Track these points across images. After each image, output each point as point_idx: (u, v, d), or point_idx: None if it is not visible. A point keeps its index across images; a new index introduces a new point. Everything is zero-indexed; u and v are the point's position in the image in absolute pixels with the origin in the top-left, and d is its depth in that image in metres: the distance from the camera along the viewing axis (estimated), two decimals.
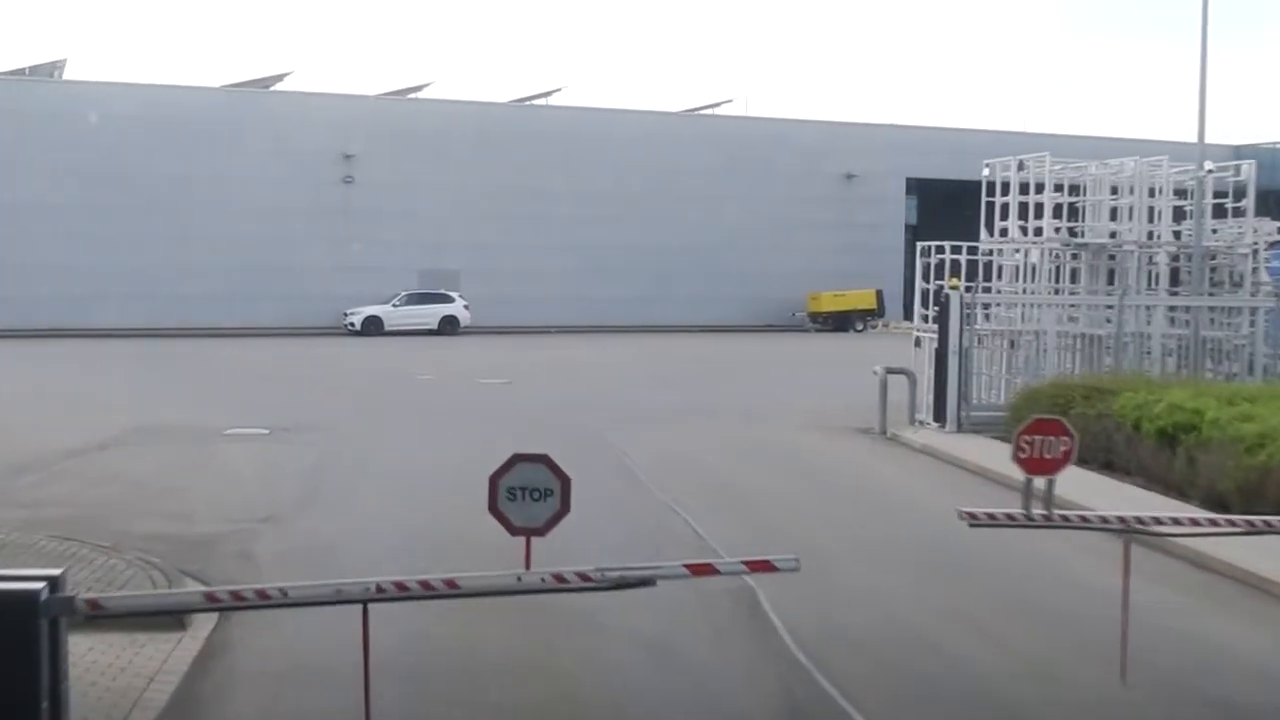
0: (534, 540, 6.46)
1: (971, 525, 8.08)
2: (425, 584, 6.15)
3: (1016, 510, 8.10)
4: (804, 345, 45.56)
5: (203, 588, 8.02)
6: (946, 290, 20.24)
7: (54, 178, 47.80)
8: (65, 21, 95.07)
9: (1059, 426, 7.97)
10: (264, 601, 6.05)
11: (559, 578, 6.22)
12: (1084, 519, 8.49)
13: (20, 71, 52.50)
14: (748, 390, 27.50)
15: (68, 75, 53.29)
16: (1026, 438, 7.93)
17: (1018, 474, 15.41)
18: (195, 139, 49.27)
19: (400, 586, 6.11)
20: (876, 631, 9.38)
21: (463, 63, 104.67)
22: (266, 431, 18.75)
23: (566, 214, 53.87)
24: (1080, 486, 14.76)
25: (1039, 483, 7.99)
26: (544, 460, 6.44)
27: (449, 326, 48.92)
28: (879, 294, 56.76)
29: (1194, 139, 20.63)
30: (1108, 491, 14.57)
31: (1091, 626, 9.21)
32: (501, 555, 9.28)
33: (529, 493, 6.36)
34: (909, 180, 60.82)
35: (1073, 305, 21.20)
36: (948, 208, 62.65)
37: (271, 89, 54.56)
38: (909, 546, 11.98)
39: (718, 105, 61.77)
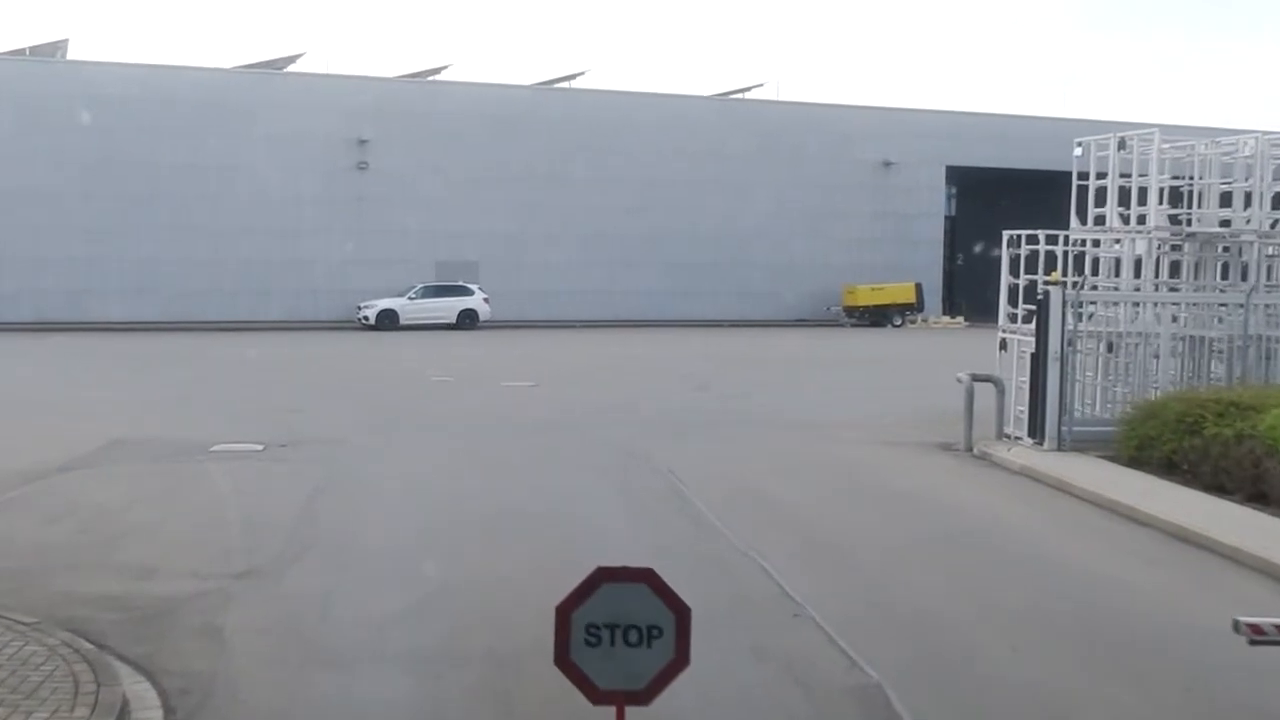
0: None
1: (1253, 643, 5.47)
2: None
3: None
4: (843, 342, 42.91)
5: None
6: (1043, 286, 17.61)
7: (54, 164, 45.55)
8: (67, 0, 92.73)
9: None
10: None
11: None
12: None
13: (20, 52, 50.13)
14: (798, 394, 24.91)
15: (70, 56, 50.88)
16: None
17: (1157, 509, 13.01)
18: (202, 123, 46.89)
19: None
20: None
21: (482, 44, 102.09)
22: (260, 447, 16.21)
23: (590, 203, 51.42)
24: (1237, 526, 12.18)
25: None
26: (646, 579, 3.87)
27: (467, 321, 46.43)
28: (918, 287, 54.20)
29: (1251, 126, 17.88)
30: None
31: None
32: (543, 620, 6.78)
33: (623, 634, 3.80)
34: (948, 168, 58.12)
35: (1182, 304, 18.49)
36: (989, 197, 60.15)
37: (283, 71, 52.12)
38: (1064, 618, 9.35)
39: (748, 89, 59.12)
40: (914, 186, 57.36)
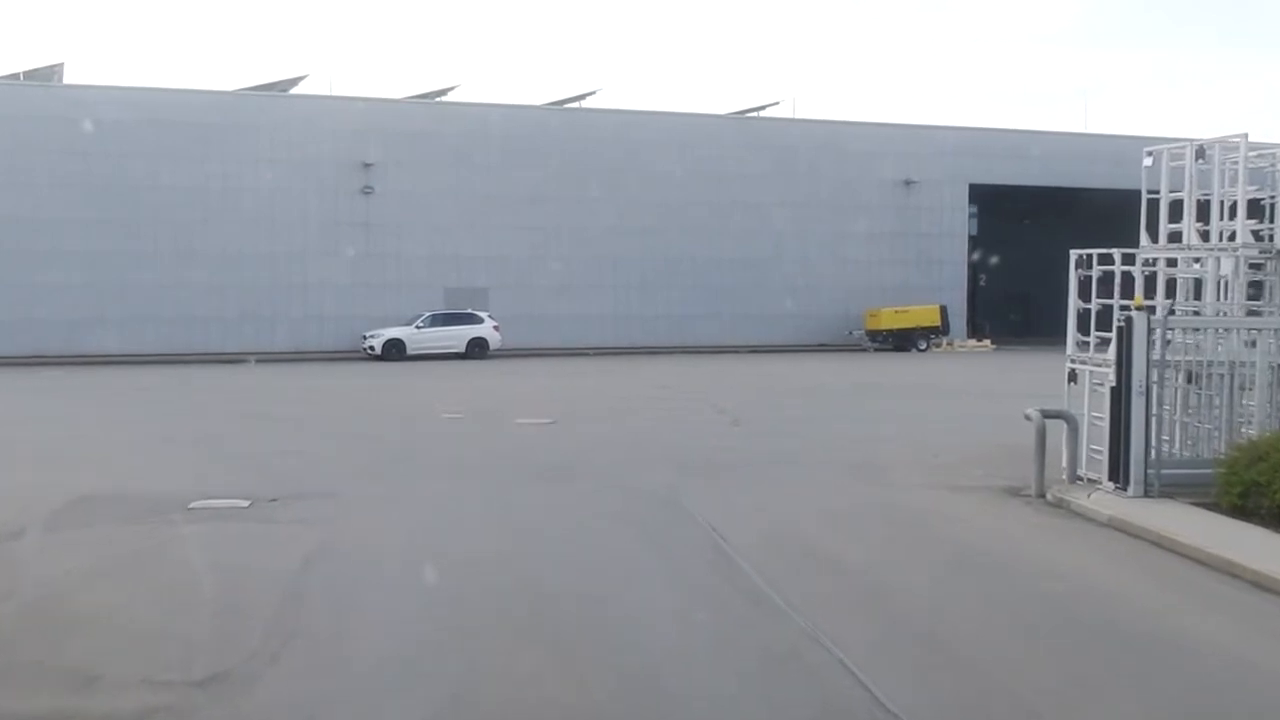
0: None
1: None
2: None
3: None
4: (870, 368, 41.08)
5: None
6: (1120, 312, 15.73)
7: (50, 190, 44.11)
8: (63, 22, 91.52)
9: None
10: None
11: None
12: None
13: (15, 76, 48.69)
14: (838, 428, 23.07)
15: (66, 80, 49.36)
16: None
17: None
18: (203, 147, 45.40)
19: None
20: None
21: (492, 63, 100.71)
22: (245, 504, 14.33)
23: (603, 225, 49.80)
24: None
25: None
26: None
27: (477, 350, 44.71)
28: (943, 310, 52.44)
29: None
30: None
31: None
32: None
33: None
34: (970, 186, 56.35)
35: (1275, 329, 16.57)
36: (1011, 215, 58.33)
37: (286, 93, 50.56)
38: None
39: (764, 108, 57.48)
40: (936, 205, 55.71)
